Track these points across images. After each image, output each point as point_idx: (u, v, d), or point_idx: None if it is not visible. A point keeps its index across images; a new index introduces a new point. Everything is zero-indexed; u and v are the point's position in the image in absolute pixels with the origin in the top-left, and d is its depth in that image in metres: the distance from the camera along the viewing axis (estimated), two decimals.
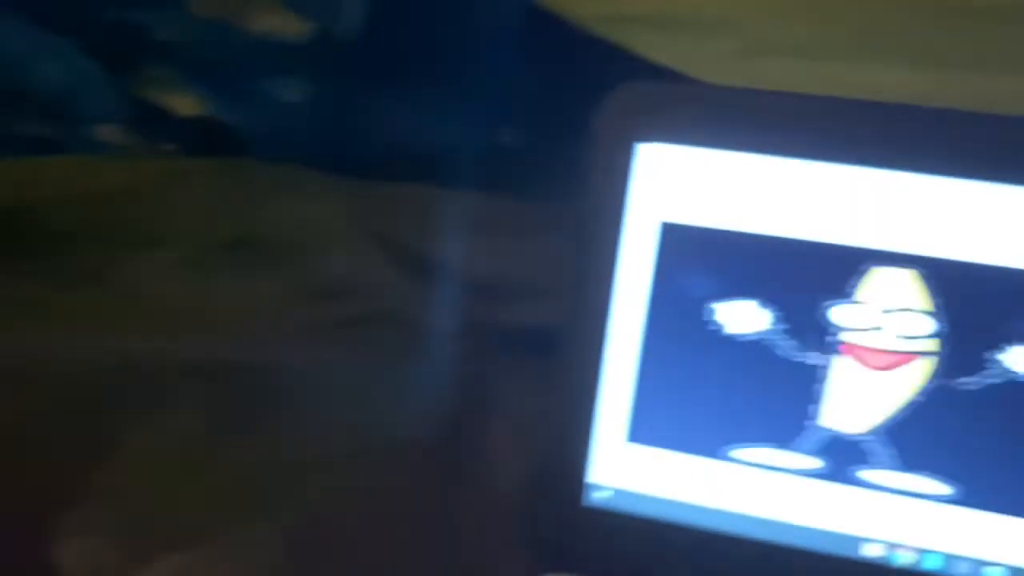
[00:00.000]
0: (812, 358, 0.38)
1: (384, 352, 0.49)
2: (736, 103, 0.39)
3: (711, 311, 0.39)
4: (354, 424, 0.47)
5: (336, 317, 0.51)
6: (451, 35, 0.62)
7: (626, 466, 0.40)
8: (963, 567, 0.37)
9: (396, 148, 0.59)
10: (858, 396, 0.37)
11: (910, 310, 0.37)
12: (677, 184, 0.39)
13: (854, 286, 0.37)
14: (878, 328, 0.37)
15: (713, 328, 0.39)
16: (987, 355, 0.36)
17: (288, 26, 0.64)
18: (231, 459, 0.44)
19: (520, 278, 0.52)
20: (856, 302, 0.37)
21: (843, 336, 0.37)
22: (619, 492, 0.40)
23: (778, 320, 0.38)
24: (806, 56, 0.55)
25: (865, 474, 0.38)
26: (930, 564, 0.37)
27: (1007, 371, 0.36)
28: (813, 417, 0.38)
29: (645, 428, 0.39)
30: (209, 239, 0.54)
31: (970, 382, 0.36)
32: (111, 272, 0.53)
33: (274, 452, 0.45)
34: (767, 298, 0.38)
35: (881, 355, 0.37)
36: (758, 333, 0.38)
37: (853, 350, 0.37)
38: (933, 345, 0.37)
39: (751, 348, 0.38)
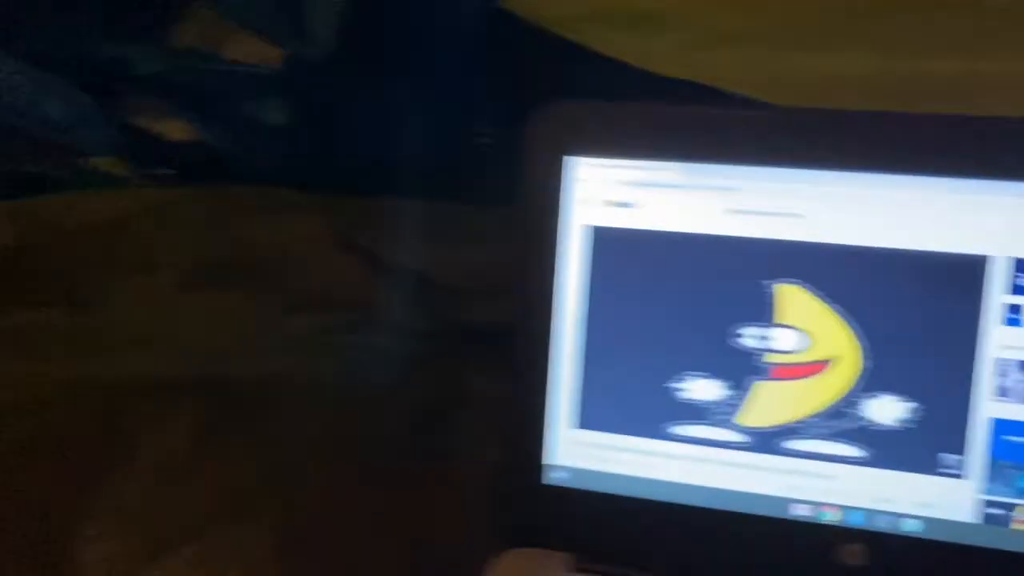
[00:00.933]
0: (729, 362, 0.42)
1: (361, 356, 0.53)
2: (649, 117, 0.43)
3: (648, 311, 0.43)
4: (336, 425, 0.50)
5: (315, 327, 0.54)
6: (418, 45, 0.64)
7: (578, 448, 0.44)
8: (883, 521, 0.41)
9: (372, 161, 0.62)
10: (777, 401, 0.42)
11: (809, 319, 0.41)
12: (605, 191, 0.43)
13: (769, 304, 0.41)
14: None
15: (644, 328, 0.43)
16: None
17: (263, 52, 0.67)
18: (223, 466, 0.49)
19: (490, 280, 0.55)
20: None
21: (759, 349, 0.41)
22: (573, 470, 0.44)
23: (694, 320, 0.42)
24: (755, 45, 0.57)
25: (790, 444, 0.41)
26: (854, 520, 0.41)
27: None
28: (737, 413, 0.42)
29: (592, 415, 0.43)
30: (198, 263, 0.57)
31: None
32: (110, 298, 0.57)
33: (262, 458, 0.49)
34: (687, 304, 0.42)
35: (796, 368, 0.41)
36: (675, 339, 0.42)
37: (772, 368, 0.42)
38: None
39: (680, 351, 0.42)
